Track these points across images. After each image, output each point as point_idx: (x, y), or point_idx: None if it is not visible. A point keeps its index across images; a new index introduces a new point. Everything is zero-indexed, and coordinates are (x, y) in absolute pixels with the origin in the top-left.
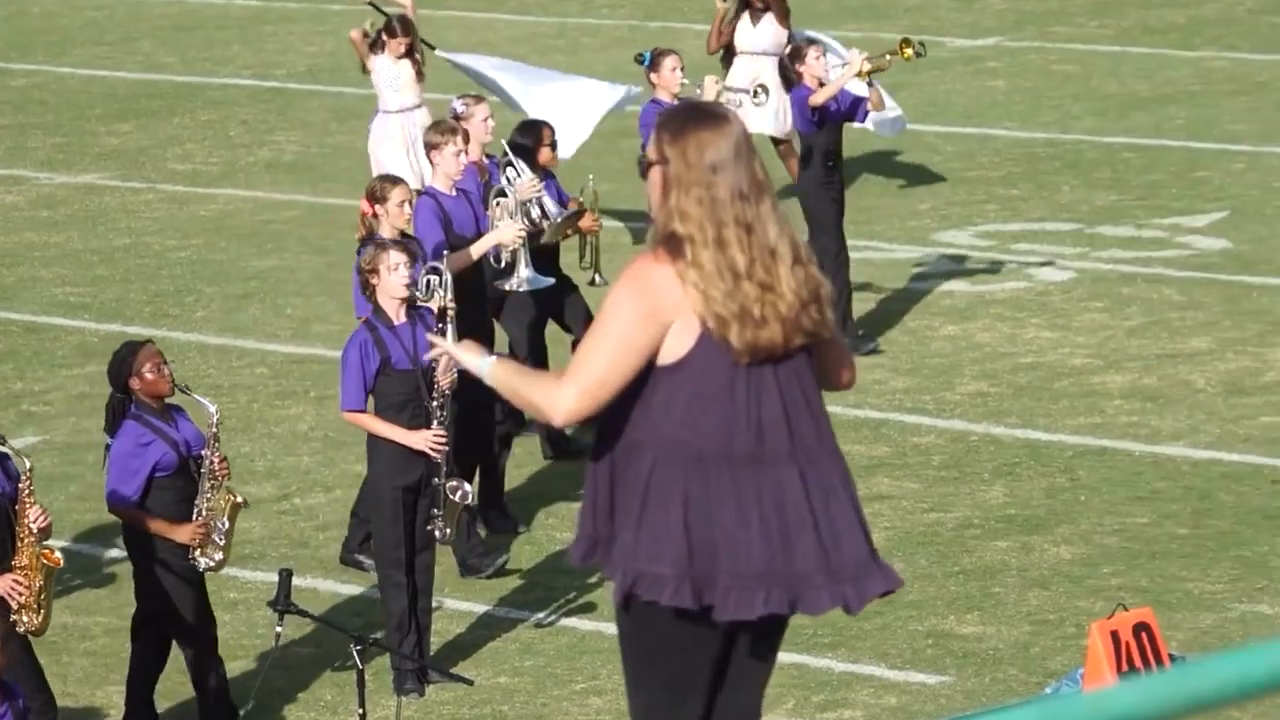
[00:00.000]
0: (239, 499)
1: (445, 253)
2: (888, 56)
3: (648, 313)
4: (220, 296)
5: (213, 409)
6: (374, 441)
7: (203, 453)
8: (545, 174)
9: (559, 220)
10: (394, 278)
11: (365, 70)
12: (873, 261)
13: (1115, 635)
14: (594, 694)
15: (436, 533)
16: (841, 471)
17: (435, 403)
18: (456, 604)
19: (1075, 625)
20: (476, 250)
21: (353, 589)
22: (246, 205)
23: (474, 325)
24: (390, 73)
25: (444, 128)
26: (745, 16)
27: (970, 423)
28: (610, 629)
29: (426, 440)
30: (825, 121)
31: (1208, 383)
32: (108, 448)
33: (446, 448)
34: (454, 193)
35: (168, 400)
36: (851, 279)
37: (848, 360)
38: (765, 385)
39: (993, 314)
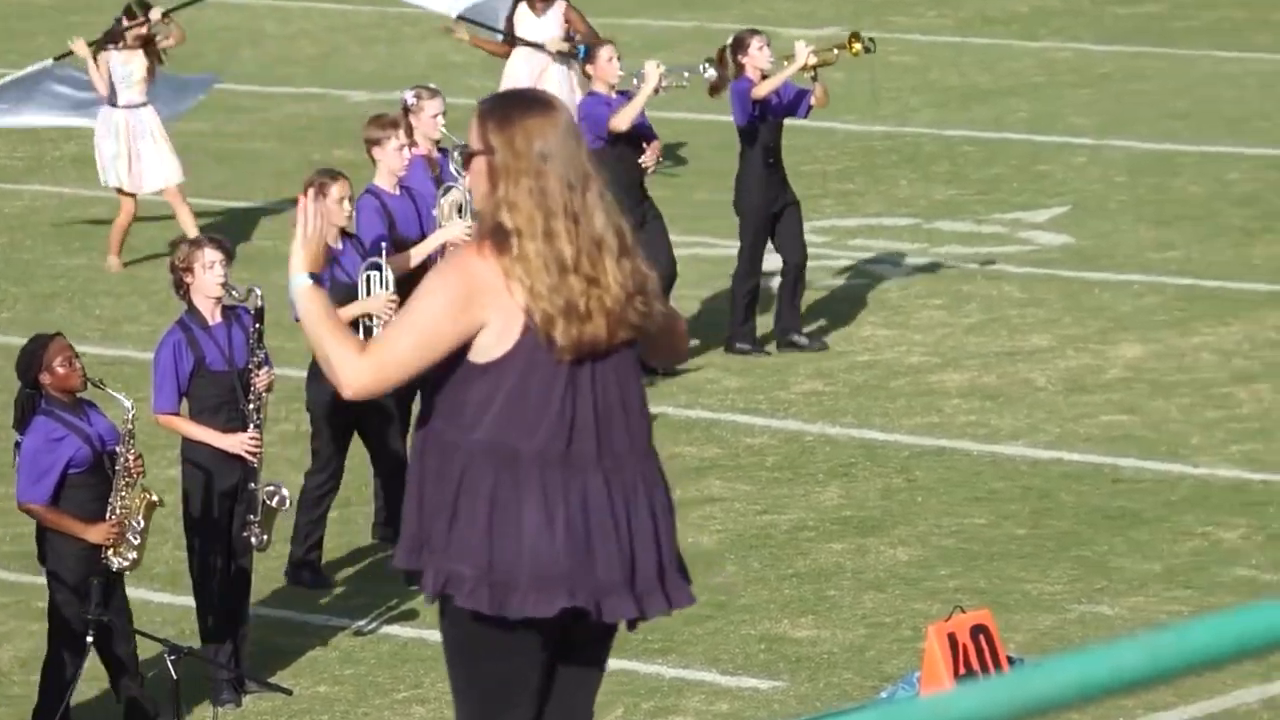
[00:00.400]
0: (154, 497)
1: (383, 245)
2: (835, 51)
3: (462, 306)
4: (27, 296)
5: (128, 404)
6: (188, 445)
7: (117, 449)
8: None
9: None
10: (209, 276)
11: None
12: (703, 258)
13: (952, 638)
14: (417, 702)
15: (253, 539)
16: (650, 479)
17: (251, 405)
18: (274, 611)
19: (912, 628)
20: (419, 252)
21: (166, 597)
22: (53, 201)
23: None
24: (123, 69)
25: (384, 121)
26: (524, 6)
27: (805, 423)
28: (433, 636)
29: (242, 444)
30: (766, 115)
31: (1048, 381)
32: (17, 445)
33: (261, 451)
34: (398, 190)
35: (79, 395)
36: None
37: (678, 336)
38: (581, 387)
39: (829, 311)
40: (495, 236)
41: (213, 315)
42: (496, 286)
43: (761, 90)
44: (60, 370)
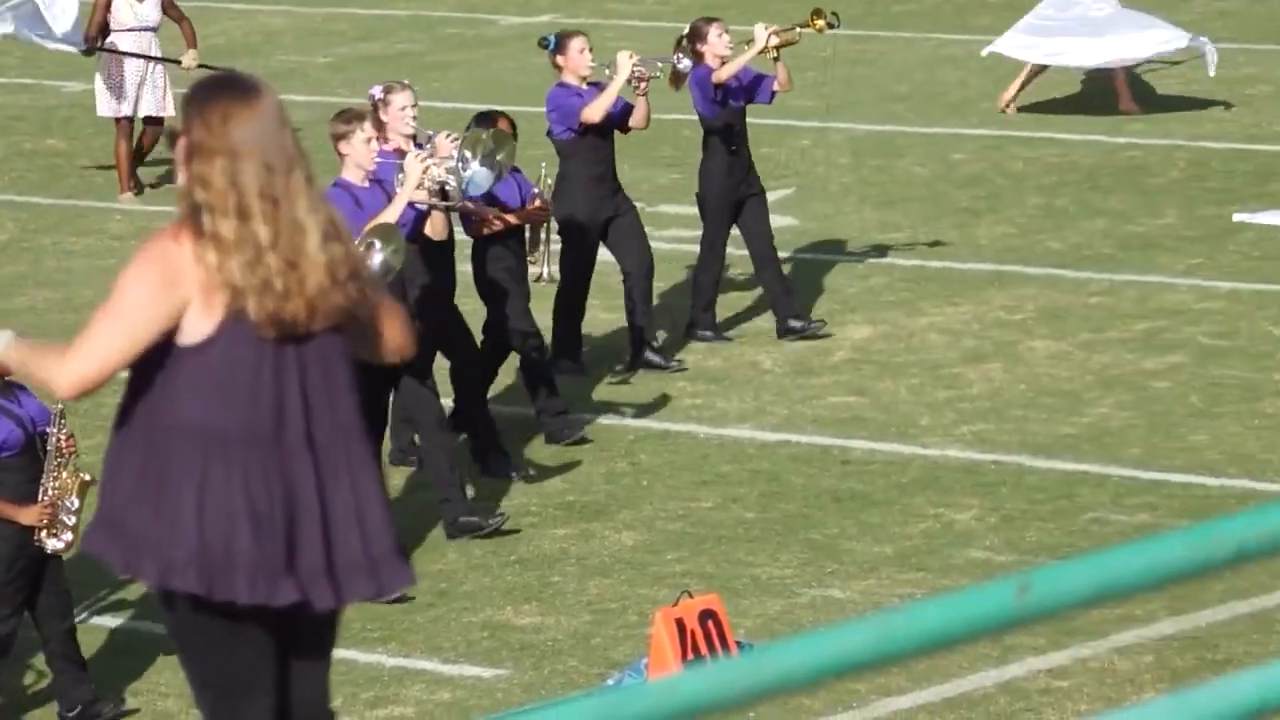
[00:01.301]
0: (88, 477)
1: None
2: (797, 30)
3: (160, 289)
4: None
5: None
6: None
7: (48, 430)
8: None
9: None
10: None
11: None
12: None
13: (680, 623)
14: (131, 695)
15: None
16: (357, 463)
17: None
18: None
19: (638, 614)
20: (392, 214)
21: None
22: None
23: (442, 324)
24: None
25: (349, 115)
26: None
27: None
28: (148, 626)
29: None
30: (727, 102)
31: (774, 363)
32: None
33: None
34: (367, 183)
35: (8, 378)
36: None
37: (396, 330)
38: (288, 368)
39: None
40: (190, 217)
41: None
42: (191, 268)
43: (722, 74)
44: None
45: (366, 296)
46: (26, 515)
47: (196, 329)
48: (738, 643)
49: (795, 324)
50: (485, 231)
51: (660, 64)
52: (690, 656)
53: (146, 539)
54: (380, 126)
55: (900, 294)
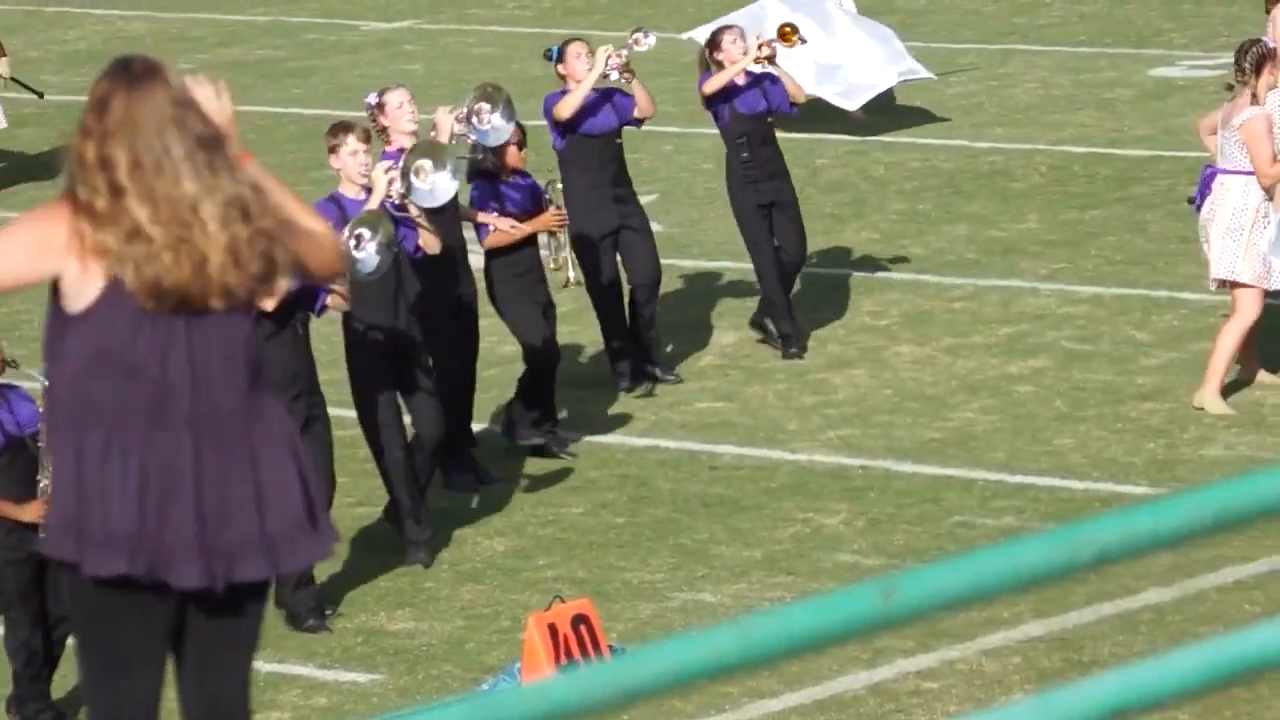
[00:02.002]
0: None
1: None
2: (771, 44)
3: (36, 248)
4: None
5: (46, 383)
6: None
7: (40, 428)
8: (516, 173)
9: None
10: None
11: None
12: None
13: (553, 628)
14: None
15: None
16: (256, 441)
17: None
18: None
19: (511, 619)
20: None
21: None
22: None
23: (458, 333)
24: None
25: (335, 128)
26: None
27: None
28: None
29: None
30: (735, 111)
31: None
32: None
33: None
34: (362, 194)
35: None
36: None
37: (319, 254)
38: (174, 344)
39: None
40: (72, 189)
41: None
42: (68, 239)
43: (711, 84)
44: None
45: (270, 287)
46: (27, 512)
47: (78, 298)
48: (610, 646)
49: (771, 332)
50: (499, 243)
51: (629, 46)
52: (563, 660)
53: (48, 503)
54: (383, 131)
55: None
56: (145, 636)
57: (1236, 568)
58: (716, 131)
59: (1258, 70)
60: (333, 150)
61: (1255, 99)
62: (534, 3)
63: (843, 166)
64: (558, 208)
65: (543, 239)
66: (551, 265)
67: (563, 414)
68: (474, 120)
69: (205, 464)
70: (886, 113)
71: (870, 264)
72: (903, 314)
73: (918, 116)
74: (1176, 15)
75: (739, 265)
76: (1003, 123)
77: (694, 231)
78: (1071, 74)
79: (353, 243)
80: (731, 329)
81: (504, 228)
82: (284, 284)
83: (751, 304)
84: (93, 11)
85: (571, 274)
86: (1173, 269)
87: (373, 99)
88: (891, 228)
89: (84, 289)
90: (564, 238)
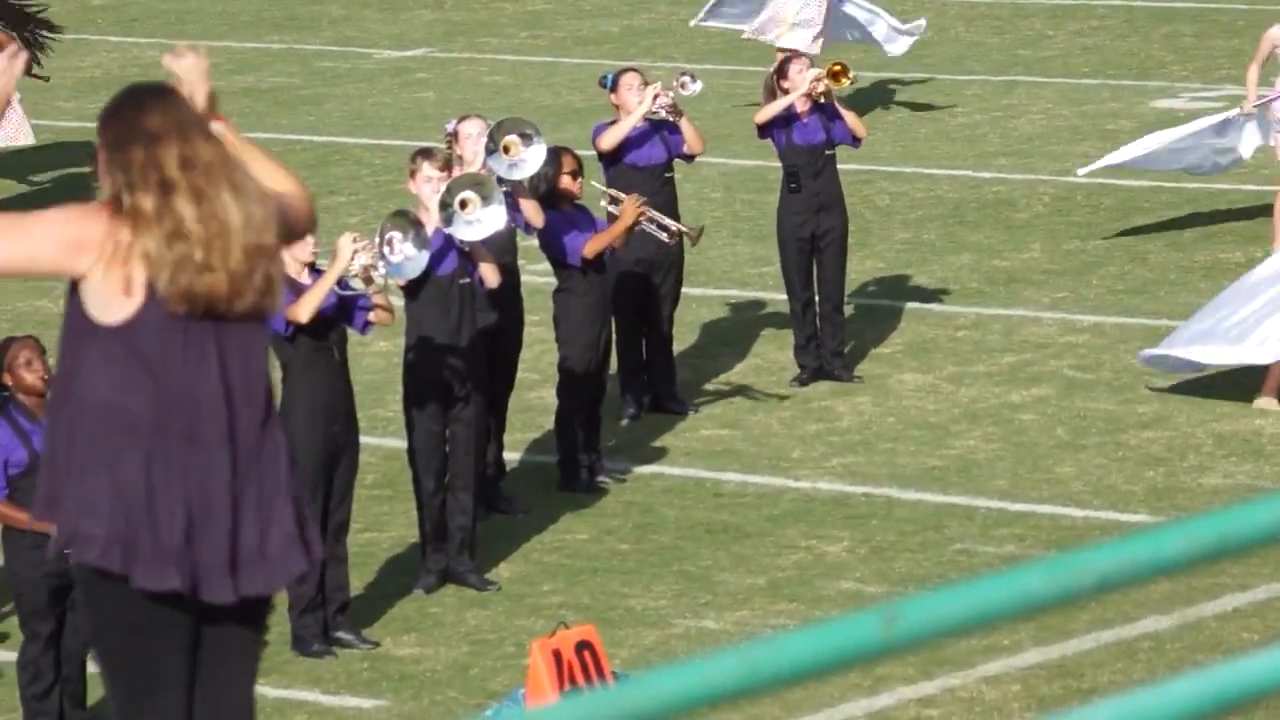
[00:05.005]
0: None
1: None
2: (825, 82)
3: (72, 239)
4: None
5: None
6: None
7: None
8: (570, 202)
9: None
10: (29, 374)
11: None
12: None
13: (557, 654)
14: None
15: None
16: (266, 456)
17: None
18: None
19: (515, 644)
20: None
21: None
22: None
23: (506, 338)
24: None
25: (416, 154)
26: None
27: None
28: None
29: None
30: (792, 141)
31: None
32: None
33: None
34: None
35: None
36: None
37: (290, 201)
38: (206, 358)
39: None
40: (112, 200)
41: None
42: (102, 242)
43: (758, 116)
44: (21, 372)
45: (275, 296)
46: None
47: (116, 309)
48: (613, 673)
49: (840, 372)
50: (600, 247)
51: (676, 87)
52: (567, 686)
53: (71, 512)
54: (460, 160)
55: (771, 328)
56: (174, 653)
57: (1235, 595)
58: (721, 161)
59: None
60: (410, 175)
61: None
62: (546, 32)
63: (848, 196)
64: (614, 200)
65: (647, 229)
66: (670, 240)
67: (538, 434)
68: (385, 251)
69: (239, 483)
70: (891, 142)
71: (874, 292)
72: (906, 342)
73: (922, 146)
74: (1178, 48)
75: (744, 293)
76: (1006, 153)
77: (701, 259)
78: (1075, 105)
79: (387, 249)
80: (736, 357)
81: (611, 245)
82: (278, 300)
83: (757, 331)
84: (108, 39)
85: (686, 227)
86: (1173, 298)
87: (450, 126)
88: (896, 257)
89: (114, 299)
90: (651, 213)
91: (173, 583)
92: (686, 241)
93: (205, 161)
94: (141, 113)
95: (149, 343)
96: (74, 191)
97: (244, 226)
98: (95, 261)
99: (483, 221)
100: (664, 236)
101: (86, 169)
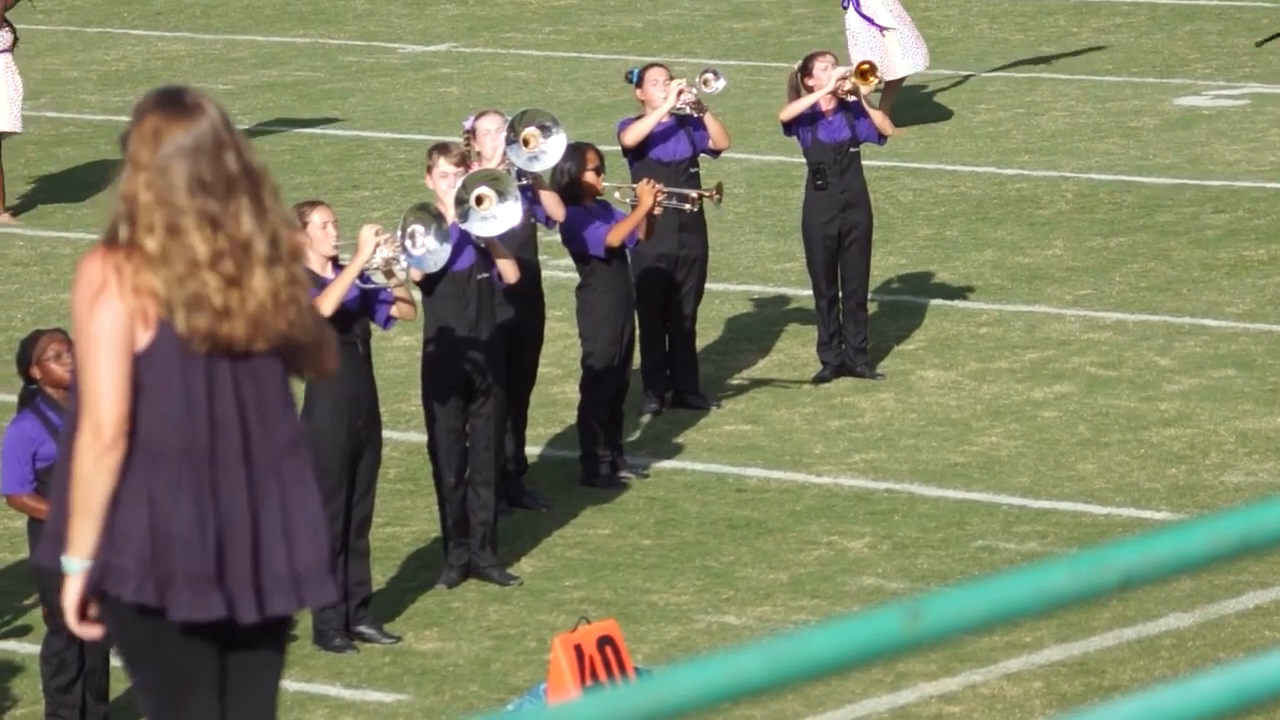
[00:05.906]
0: None
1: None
2: (850, 81)
3: (110, 308)
4: None
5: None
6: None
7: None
8: (593, 197)
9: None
10: (58, 367)
11: None
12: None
13: (579, 649)
14: None
15: None
16: (289, 478)
17: None
18: None
19: (537, 639)
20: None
21: None
22: None
23: (527, 334)
24: None
25: (433, 149)
26: None
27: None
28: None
29: None
30: (816, 138)
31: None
32: None
33: None
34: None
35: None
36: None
37: (326, 349)
38: (222, 384)
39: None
40: (114, 231)
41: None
42: (113, 283)
43: (785, 112)
44: (50, 365)
45: (305, 320)
46: None
47: (135, 339)
48: (635, 668)
49: (864, 370)
50: (624, 233)
51: (707, 82)
52: (588, 682)
53: (100, 547)
54: (479, 156)
55: (794, 323)
56: (201, 659)
57: (1257, 593)
58: (744, 157)
59: None
60: (428, 170)
61: None
62: (570, 28)
63: (871, 192)
64: (633, 187)
65: (669, 205)
66: (693, 208)
67: (559, 429)
68: (407, 244)
69: (257, 503)
70: (915, 138)
71: (897, 289)
72: (929, 339)
73: (945, 143)
74: (1201, 45)
75: (766, 289)
76: (1030, 150)
77: (722, 255)
78: (1098, 102)
79: (409, 241)
80: (759, 352)
81: (624, 225)
82: (308, 326)
83: (780, 327)
84: (132, 32)
85: (704, 190)
86: (1196, 296)
87: (468, 123)
88: (919, 253)
89: (139, 331)
90: (667, 190)
91: (217, 610)
92: (709, 204)
93: (223, 197)
94: (159, 138)
95: (165, 373)
96: (98, 186)
97: (267, 265)
98: (120, 301)
99: (498, 218)
100: (687, 207)
101: (114, 159)
